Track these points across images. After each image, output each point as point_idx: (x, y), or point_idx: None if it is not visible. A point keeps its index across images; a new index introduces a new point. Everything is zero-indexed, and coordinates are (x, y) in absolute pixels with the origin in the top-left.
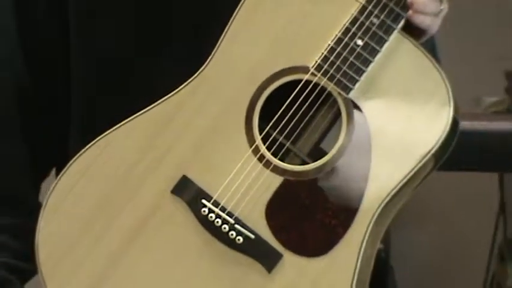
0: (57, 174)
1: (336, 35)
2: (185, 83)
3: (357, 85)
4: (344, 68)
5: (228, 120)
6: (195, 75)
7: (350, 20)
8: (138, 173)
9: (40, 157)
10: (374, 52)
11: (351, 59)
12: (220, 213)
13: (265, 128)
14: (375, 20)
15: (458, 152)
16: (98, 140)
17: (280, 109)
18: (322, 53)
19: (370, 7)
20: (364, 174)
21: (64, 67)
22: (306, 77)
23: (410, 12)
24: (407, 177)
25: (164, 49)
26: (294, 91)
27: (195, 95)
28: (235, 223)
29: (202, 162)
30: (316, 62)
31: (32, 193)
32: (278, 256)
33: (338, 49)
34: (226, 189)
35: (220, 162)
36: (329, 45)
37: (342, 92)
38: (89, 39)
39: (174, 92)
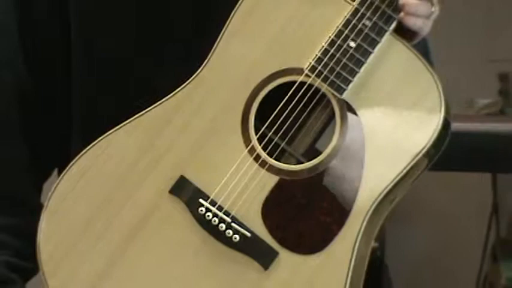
0: (59, 174)
1: (330, 37)
2: (183, 85)
3: (350, 86)
4: (337, 69)
5: (224, 121)
6: (193, 77)
7: (343, 23)
8: (137, 173)
9: (41, 158)
10: (367, 53)
11: (344, 60)
12: (217, 212)
13: (261, 128)
14: (368, 22)
15: (452, 153)
16: (98, 141)
17: (275, 110)
18: (316, 55)
19: (362, 9)
20: (358, 173)
21: (64, 67)
22: (300, 78)
23: (402, 14)
24: (400, 176)
25: (164, 49)
26: (289, 92)
27: (193, 96)
28: (231, 222)
29: (199, 163)
30: (310, 63)
31: (32, 193)
32: (274, 254)
33: (331, 51)
34: (223, 188)
35: (217, 162)
36: (323, 47)
37: (335, 93)
38: (90, 39)
39: (172, 94)
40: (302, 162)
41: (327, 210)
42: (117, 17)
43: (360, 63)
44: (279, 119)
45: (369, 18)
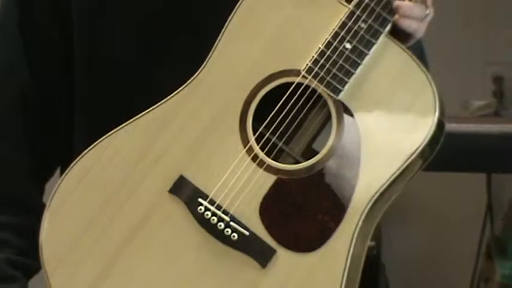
0: (61, 174)
1: (326, 39)
2: (182, 86)
3: (346, 87)
4: (334, 70)
5: (223, 122)
6: (192, 78)
7: (339, 25)
8: (138, 173)
9: (43, 158)
10: (362, 55)
11: (340, 62)
12: (216, 211)
13: (259, 129)
14: (363, 25)
15: (447, 154)
16: (99, 142)
17: (273, 111)
18: (313, 57)
19: (358, 12)
20: (354, 172)
21: (65, 67)
22: (297, 79)
23: (396, 16)
24: (395, 175)
25: (165, 50)
26: (286, 93)
27: (192, 97)
28: (230, 220)
29: (198, 163)
30: (307, 65)
31: (34, 193)
32: (272, 252)
33: (328, 52)
34: (222, 188)
35: (216, 162)
36: (319, 48)
37: (331, 94)
38: (92, 39)
39: (172, 95)
40: (300, 162)
41: (324, 209)
42: (120, 18)
43: (355, 65)
44: (276, 120)
45: (365, 21)
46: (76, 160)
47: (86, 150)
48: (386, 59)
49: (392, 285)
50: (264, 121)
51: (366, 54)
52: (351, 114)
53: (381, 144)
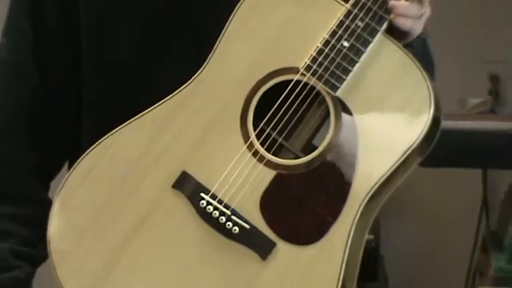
0: (68, 169)
1: (324, 38)
2: (185, 84)
3: (344, 84)
4: (331, 68)
5: (224, 119)
6: (194, 76)
7: (337, 23)
8: (142, 169)
9: (49, 155)
10: (359, 53)
11: (338, 59)
12: (218, 205)
13: (259, 125)
14: (360, 23)
15: (444, 150)
16: (104, 139)
17: (273, 107)
18: (311, 55)
19: (355, 11)
20: (352, 167)
21: (74, 69)
22: (296, 77)
23: (392, 15)
24: (392, 169)
25: (166, 50)
26: (286, 90)
27: (194, 95)
28: (231, 214)
29: (200, 158)
30: (306, 62)
31: (39, 188)
32: (272, 245)
33: (326, 50)
34: (223, 183)
35: (218, 158)
36: (318, 47)
37: (329, 91)
38: (100, 44)
39: (174, 93)
40: (300, 158)
41: (323, 203)
42: (123, 19)
43: (353, 62)
44: (276, 116)
45: (362, 19)
46: (82, 157)
47: (92, 147)
48: (382, 56)
49: (391, 277)
50: (264, 118)
51: (363, 52)
52: (349, 111)
53: (377, 139)
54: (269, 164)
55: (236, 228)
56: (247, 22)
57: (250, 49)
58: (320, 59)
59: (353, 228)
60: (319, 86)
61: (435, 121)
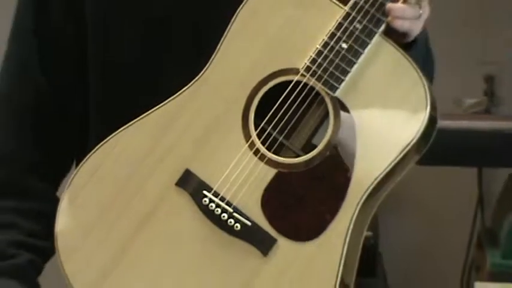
0: (76, 167)
1: (323, 39)
2: (188, 85)
3: (343, 85)
4: (330, 69)
5: (226, 118)
6: (197, 77)
7: (335, 26)
8: (146, 168)
9: (54, 153)
10: (357, 54)
11: (337, 61)
12: (220, 202)
13: (261, 124)
14: (358, 25)
15: (441, 149)
16: (109, 139)
17: (274, 107)
18: (311, 56)
19: (353, 13)
20: (350, 165)
21: (80, 68)
22: (296, 78)
23: (389, 17)
24: (389, 168)
25: (168, 51)
26: (286, 91)
27: (197, 95)
28: (233, 211)
29: (203, 157)
30: (306, 64)
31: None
32: (272, 241)
33: (325, 52)
34: (225, 180)
35: (220, 156)
36: (317, 48)
37: (329, 91)
38: (106, 44)
39: (178, 93)
40: (300, 156)
41: (322, 200)
42: (128, 20)
43: (351, 63)
44: (277, 116)
45: (360, 22)
46: (88, 156)
47: (97, 147)
48: (380, 57)
49: (389, 273)
50: (265, 117)
51: (361, 54)
52: (347, 111)
53: (375, 138)
54: (270, 163)
55: (238, 225)
56: (249, 24)
57: (252, 50)
58: (319, 60)
59: (351, 225)
60: (319, 87)
61: (431, 120)
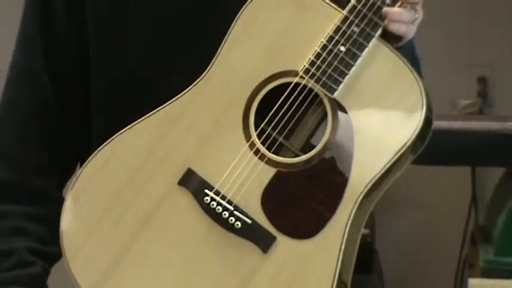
0: (80, 167)
1: (322, 42)
2: (190, 86)
3: (341, 86)
4: (329, 71)
5: (227, 119)
6: (199, 79)
7: (334, 29)
8: (149, 167)
9: (60, 155)
10: (355, 57)
11: (335, 63)
12: (221, 201)
13: (261, 125)
14: (356, 29)
15: (436, 148)
16: (113, 139)
17: (273, 109)
18: (310, 58)
19: (351, 17)
20: (348, 165)
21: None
22: (296, 79)
23: (386, 21)
24: (386, 168)
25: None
26: (285, 92)
27: (199, 97)
28: (234, 210)
29: (205, 157)
30: (305, 66)
31: (50, 187)
32: (272, 239)
33: (323, 54)
34: (226, 180)
35: (221, 156)
36: (315, 51)
37: (327, 93)
38: (109, 44)
39: (180, 94)
40: (299, 156)
41: (320, 199)
42: (131, 21)
43: (349, 66)
44: (277, 117)
45: (357, 25)
46: (92, 156)
47: (101, 147)
48: (377, 60)
49: (385, 269)
50: (266, 118)
51: (359, 56)
52: (345, 112)
53: (372, 139)
54: (270, 162)
55: (238, 223)
56: (250, 27)
57: (252, 53)
58: (318, 63)
59: (349, 223)
60: (317, 88)
61: (427, 121)
